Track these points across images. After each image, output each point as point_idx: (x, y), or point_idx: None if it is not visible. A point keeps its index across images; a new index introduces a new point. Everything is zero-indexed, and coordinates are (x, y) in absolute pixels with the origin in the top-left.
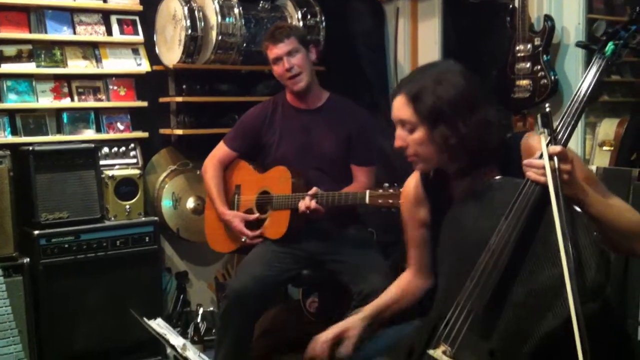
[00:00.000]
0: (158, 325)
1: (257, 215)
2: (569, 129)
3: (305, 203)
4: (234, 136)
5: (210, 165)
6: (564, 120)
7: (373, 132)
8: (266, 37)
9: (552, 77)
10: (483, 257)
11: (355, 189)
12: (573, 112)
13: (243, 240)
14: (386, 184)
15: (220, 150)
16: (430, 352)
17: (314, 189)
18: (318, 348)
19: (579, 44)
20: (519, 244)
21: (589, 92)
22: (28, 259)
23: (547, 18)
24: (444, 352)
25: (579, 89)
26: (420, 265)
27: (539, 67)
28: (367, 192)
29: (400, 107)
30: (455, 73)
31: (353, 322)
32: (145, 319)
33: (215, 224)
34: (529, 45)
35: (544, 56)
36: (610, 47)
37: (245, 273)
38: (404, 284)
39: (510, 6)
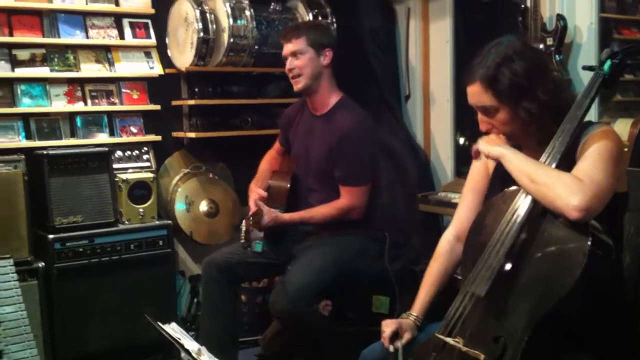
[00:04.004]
0: (173, 329)
1: (254, 209)
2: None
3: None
4: (280, 130)
5: (267, 153)
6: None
7: (359, 147)
8: (281, 33)
9: (565, 77)
10: (490, 244)
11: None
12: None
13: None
14: None
15: (276, 142)
16: (439, 335)
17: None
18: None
19: (584, 68)
20: (520, 236)
21: (587, 108)
22: (43, 263)
23: (560, 17)
24: (451, 336)
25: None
26: (462, 228)
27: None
28: None
29: (478, 94)
30: (520, 45)
31: (407, 325)
32: (159, 324)
33: None
34: (541, 45)
35: (557, 56)
36: (607, 64)
37: (220, 250)
38: (441, 264)
39: (523, 6)
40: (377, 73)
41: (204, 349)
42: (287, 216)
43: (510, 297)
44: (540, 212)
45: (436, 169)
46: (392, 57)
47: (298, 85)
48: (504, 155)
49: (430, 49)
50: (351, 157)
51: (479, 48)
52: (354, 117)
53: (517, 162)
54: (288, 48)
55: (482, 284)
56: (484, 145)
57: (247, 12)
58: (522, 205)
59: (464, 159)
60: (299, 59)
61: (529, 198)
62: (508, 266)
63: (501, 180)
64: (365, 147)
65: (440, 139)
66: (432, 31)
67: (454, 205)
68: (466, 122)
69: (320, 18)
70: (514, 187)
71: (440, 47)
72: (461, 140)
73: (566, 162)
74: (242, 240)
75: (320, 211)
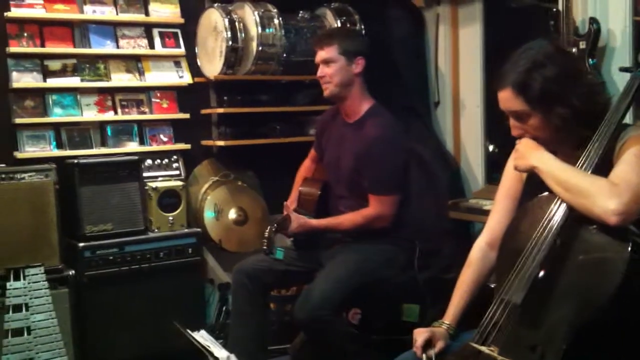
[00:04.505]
0: (202, 337)
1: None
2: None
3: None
4: (315, 137)
5: (303, 163)
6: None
7: (387, 155)
8: (314, 39)
9: (599, 81)
10: (525, 250)
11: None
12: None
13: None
14: None
15: (312, 149)
16: (473, 344)
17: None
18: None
19: (621, 69)
20: (557, 242)
21: (625, 110)
22: (73, 271)
23: (593, 21)
24: (486, 345)
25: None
26: (495, 235)
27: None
28: None
29: (509, 99)
30: (552, 50)
31: (439, 333)
32: (189, 331)
33: None
34: (574, 49)
35: (590, 60)
36: None
37: (250, 258)
38: (473, 272)
39: (554, 9)
40: (406, 80)
41: (233, 357)
42: (315, 222)
43: (547, 305)
44: (577, 217)
45: (467, 176)
46: (421, 64)
47: (326, 92)
48: (535, 167)
49: (460, 55)
50: (379, 165)
51: (509, 54)
52: (383, 125)
53: (550, 172)
54: (320, 55)
55: (518, 291)
56: (515, 161)
57: (276, 21)
58: (558, 210)
59: (495, 165)
60: (330, 66)
61: (565, 204)
62: (545, 273)
63: (536, 185)
64: (394, 155)
65: (471, 145)
66: (461, 37)
67: (485, 213)
68: (496, 128)
69: (348, 25)
70: (549, 193)
71: (470, 53)
72: (490, 148)
73: (603, 167)
74: (264, 247)
75: (347, 218)
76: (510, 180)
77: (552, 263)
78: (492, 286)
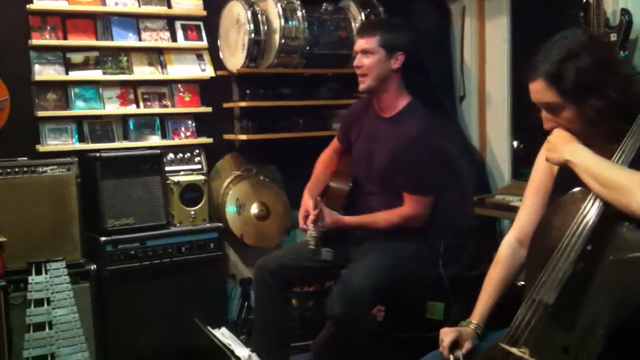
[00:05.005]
0: (223, 334)
1: (315, 212)
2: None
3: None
4: (340, 128)
5: (324, 152)
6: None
7: (426, 156)
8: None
9: (635, 72)
10: (558, 248)
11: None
12: None
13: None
14: None
15: (334, 140)
16: (503, 345)
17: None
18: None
19: None
20: (591, 240)
21: None
22: (95, 265)
23: (624, 12)
24: (516, 346)
25: None
26: (524, 231)
27: None
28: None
29: (541, 91)
30: (586, 39)
31: (467, 333)
32: (209, 328)
33: None
34: None
35: (621, 52)
36: None
37: (272, 253)
38: (502, 269)
39: (584, 0)
40: (432, 74)
41: (254, 356)
42: (348, 219)
43: (581, 306)
44: (613, 214)
45: (492, 172)
46: (446, 58)
47: (362, 85)
48: (569, 161)
49: (486, 48)
50: (418, 165)
51: (537, 47)
52: (421, 124)
53: (584, 166)
54: (359, 44)
55: (550, 291)
56: (547, 152)
57: (299, 13)
58: (593, 207)
59: (521, 161)
60: (368, 57)
61: (600, 200)
62: (578, 272)
63: (568, 179)
64: (433, 155)
65: (497, 140)
66: (488, 30)
67: (512, 209)
68: (521, 124)
69: (372, 17)
70: (582, 188)
71: (496, 46)
72: (515, 144)
73: None
74: (312, 247)
75: (382, 217)
76: (540, 175)
77: (587, 262)
78: (520, 284)
